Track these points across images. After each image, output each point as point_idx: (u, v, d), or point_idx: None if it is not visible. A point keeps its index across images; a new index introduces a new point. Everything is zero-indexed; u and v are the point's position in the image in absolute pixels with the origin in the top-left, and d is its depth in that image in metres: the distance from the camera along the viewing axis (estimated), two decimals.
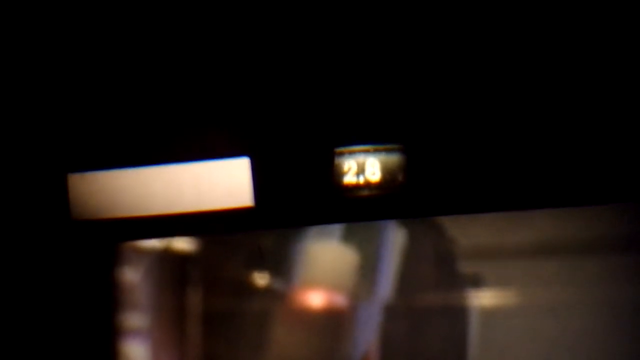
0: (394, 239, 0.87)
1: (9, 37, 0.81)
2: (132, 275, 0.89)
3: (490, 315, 0.86)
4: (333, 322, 0.88)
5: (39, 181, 0.82)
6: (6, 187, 0.82)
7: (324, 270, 0.88)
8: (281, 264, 0.88)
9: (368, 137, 0.80)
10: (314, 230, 0.88)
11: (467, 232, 0.86)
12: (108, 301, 0.87)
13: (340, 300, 0.88)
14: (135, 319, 0.89)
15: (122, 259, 0.88)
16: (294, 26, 0.80)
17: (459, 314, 0.87)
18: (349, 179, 0.80)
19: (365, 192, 0.80)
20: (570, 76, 0.79)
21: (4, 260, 0.82)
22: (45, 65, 0.82)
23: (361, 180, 0.80)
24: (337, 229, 0.88)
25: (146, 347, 0.89)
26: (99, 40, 0.81)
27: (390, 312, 0.87)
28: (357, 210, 0.80)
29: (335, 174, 0.80)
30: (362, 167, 0.80)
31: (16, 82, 0.82)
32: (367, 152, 0.80)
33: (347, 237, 0.88)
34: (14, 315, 0.82)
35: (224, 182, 0.80)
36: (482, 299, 0.86)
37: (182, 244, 0.89)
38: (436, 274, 0.88)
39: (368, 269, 0.88)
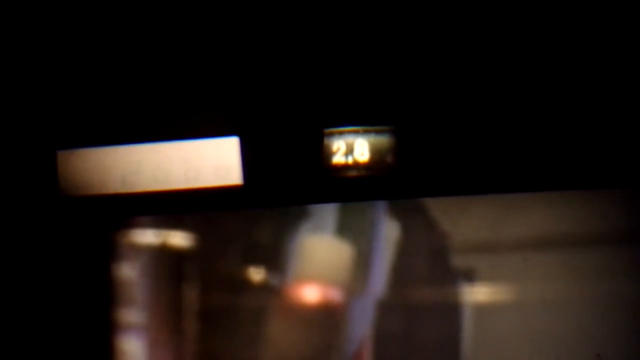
0: (388, 233, 0.88)
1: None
2: (126, 268, 0.89)
3: (484, 309, 0.86)
4: (327, 317, 0.87)
5: (28, 158, 0.82)
6: None
7: (318, 265, 0.88)
8: (275, 259, 0.88)
9: (357, 118, 0.80)
10: (308, 224, 0.88)
11: (460, 226, 0.86)
12: (99, 279, 0.87)
13: (334, 294, 0.88)
14: (128, 307, 0.89)
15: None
16: (285, 9, 0.80)
17: (452, 309, 0.86)
18: (338, 159, 0.80)
19: (354, 173, 0.80)
20: (563, 56, 0.79)
21: None
22: (35, 44, 0.82)
23: (350, 160, 0.80)
24: (330, 223, 0.88)
25: (141, 331, 0.89)
26: (90, 20, 0.81)
27: (384, 307, 0.87)
28: (346, 190, 0.80)
29: (324, 154, 0.80)
30: (351, 148, 0.80)
31: (6, 61, 0.82)
32: (356, 132, 0.80)
33: (341, 232, 0.88)
34: (4, 291, 0.82)
35: (213, 161, 0.81)
36: (476, 293, 0.86)
37: (178, 239, 0.89)
38: (430, 268, 0.88)
39: (362, 264, 0.88)
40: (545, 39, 0.79)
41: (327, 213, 0.88)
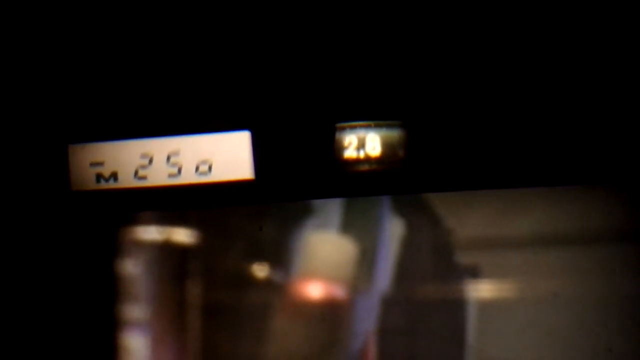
0: (393, 229, 0.87)
1: (9, 16, 0.81)
2: (132, 265, 0.89)
3: (488, 305, 0.86)
4: (332, 313, 0.87)
5: (40, 152, 0.82)
6: (7, 158, 0.82)
7: (324, 262, 0.88)
8: (281, 256, 0.88)
9: (369, 112, 0.80)
10: (313, 221, 0.88)
11: (465, 222, 0.86)
12: (108, 275, 0.87)
13: (339, 291, 0.88)
14: (134, 304, 0.89)
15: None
16: (297, 4, 0.80)
17: (457, 305, 0.86)
18: (350, 153, 0.80)
19: (366, 167, 0.80)
20: (569, 54, 0.79)
21: (6, 231, 0.82)
22: (46, 38, 0.82)
23: (362, 154, 0.80)
24: (335, 220, 0.88)
25: (145, 326, 0.89)
26: (102, 16, 0.81)
27: (389, 303, 0.87)
28: (357, 184, 0.80)
29: (335, 148, 0.80)
30: (363, 142, 0.80)
31: (18, 55, 0.82)
32: (368, 127, 0.80)
33: (346, 228, 0.88)
34: (15, 285, 0.82)
35: (224, 155, 0.80)
36: (481, 289, 0.86)
37: (183, 235, 0.89)
38: (435, 264, 0.88)
39: (367, 260, 0.88)
40: (552, 38, 0.79)
41: (332, 209, 0.88)
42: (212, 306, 0.89)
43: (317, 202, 0.88)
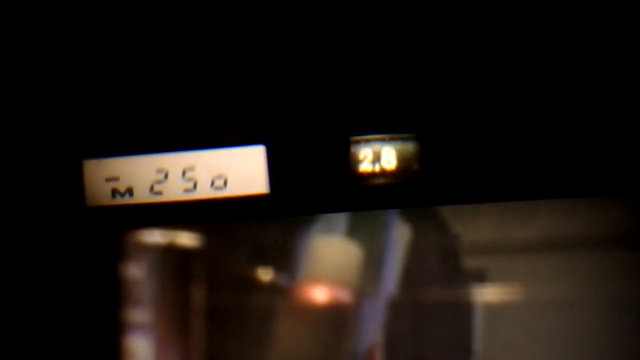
0: (399, 234, 0.88)
1: (26, 27, 0.81)
2: (142, 269, 0.88)
3: (495, 310, 0.86)
4: (338, 318, 0.87)
5: (54, 167, 0.82)
6: (21, 174, 0.82)
7: (330, 267, 0.88)
8: (287, 261, 0.88)
9: (384, 125, 0.80)
10: (319, 225, 0.88)
11: (471, 227, 0.87)
12: (125, 288, 0.87)
13: (345, 296, 0.88)
14: (143, 308, 0.89)
15: (133, 249, 0.88)
16: (312, 17, 0.81)
17: (463, 310, 0.87)
18: (365, 167, 0.80)
19: (381, 180, 0.80)
20: (578, 69, 0.79)
21: (20, 247, 0.82)
22: (61, 52, 0.82)
23: (377, 168, 0.80)
24: (342, 224, 0.88)
25: (151, 333, 0.89)
26: (117, 31, 0.81)
27: (395, 308, 0.87)
28: (373, 198, 0.80)
29: (350, 162, 0.80)
30: (378, 156, 0.80)
31: (32, 70, 0.82)
32: (383, 140, 0.80)
33: (353, 233, 0.88)
34: (31, 299, 0.82)
35: (239, 170, 0.81)
36: (487, 294, 0.86)
37: (188, 239, 0.89)
38: (441, 269, 0.88)
39: (373, 265, 0.88)
40: (564, 55, 0.79)
41: (339, 215, 0.88)
42: (217, 310, 0.89)
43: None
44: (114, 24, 0.81)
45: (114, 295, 0.85)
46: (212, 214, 0.81)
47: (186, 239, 0.89)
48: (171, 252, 0.89)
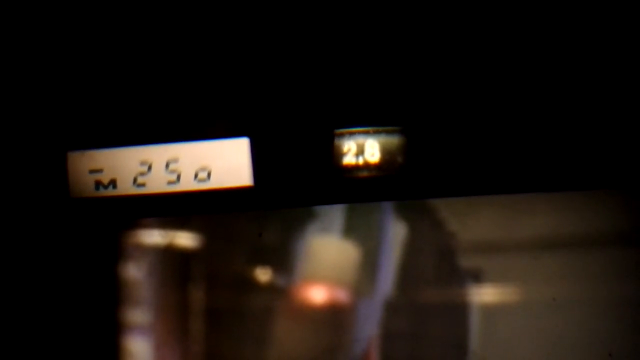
0: (396, 234, 0.87)
1: (10, 20, 0.81)
2: (134, 269, 0.88)
3: (491, 310, 0.86)
4: (335, 317, 0.87)
5: (39, 159, 0.82)
6: (6, 165, 0.82)
7: (326, 266, 0.88)
8: (283, 260, 0.88)
9: (368, 118, 0.80)
10: (315, 226, 0.88)
11: (468, 226, 0.86)
12: (109, 280, 0.87)
13: (342, 295, 0.87)
14: (135, 307, 0.89)
15: (122, 242, 0.88)
16: (294, 10, 0.81)
17: (460, 309, 0.86)
18: (349, 159, 0.80)
19: (365, 173, 0.80)
20: (570, 59, 0.79)
21: (4, 237, 0.82)
22: (45, 46, 0.82)
23: (360, 161, 0.80)
24: (338, 224, 0.88)
25: (148, 332, 0.89)
26: (101, 22, 0.82)
27: (392, 307, 0.87)
28: (356, 190, 0.80)
29: (334, 154, 0.80)
30: (362, 148, 0.80)
31: (16, 62, 0.82)
32: (366, 133, 0.80)
33: (349, 233, 0.88)
34: (14, 292, 0.82)
35: (223, 162, 0.81)
36: (484, 294, 0.86)
37: (185, 239, 0.89)
38: (438, 269, 0.87)
39: (369, 264, 0.87)
40: (555, 44, 0.79)
41: (335, 214, 0.88)
42: (214, 310, 0.89)
43: (320, 207, 0.88)
44: (98, 18, 0.81)
45: (97, 288, 0.86)
46: (196, 206, 0.81)
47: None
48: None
